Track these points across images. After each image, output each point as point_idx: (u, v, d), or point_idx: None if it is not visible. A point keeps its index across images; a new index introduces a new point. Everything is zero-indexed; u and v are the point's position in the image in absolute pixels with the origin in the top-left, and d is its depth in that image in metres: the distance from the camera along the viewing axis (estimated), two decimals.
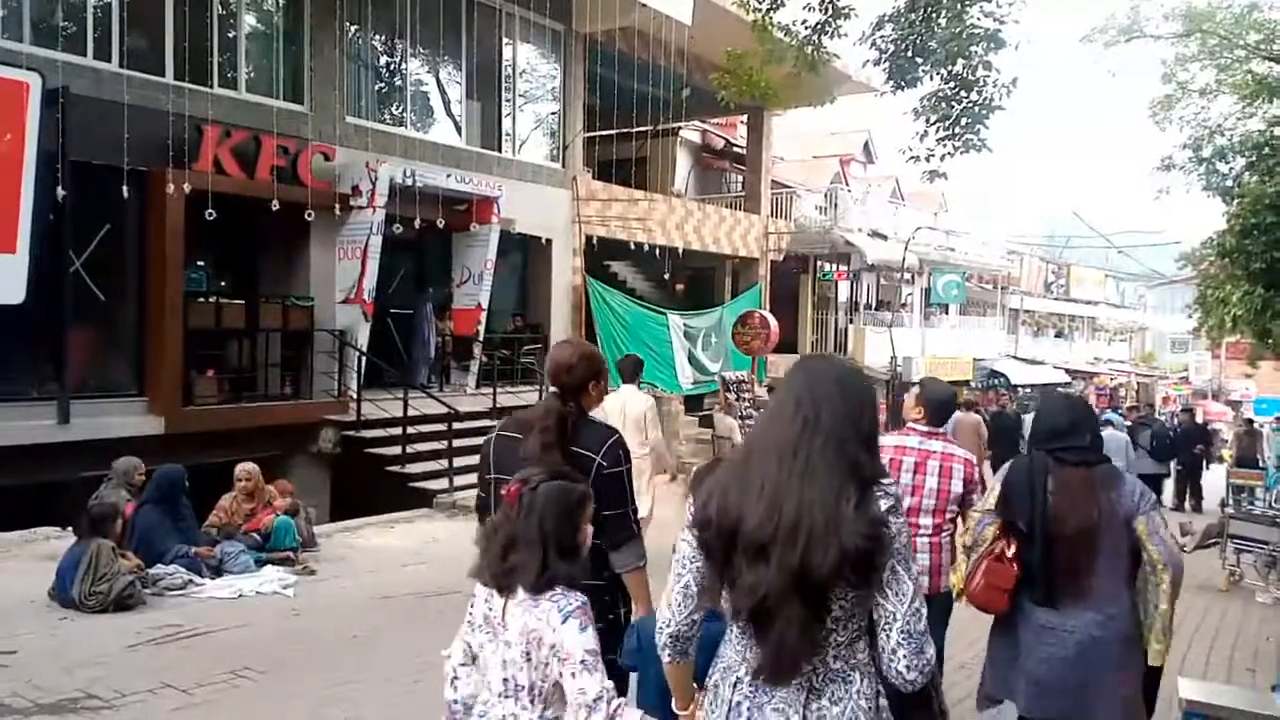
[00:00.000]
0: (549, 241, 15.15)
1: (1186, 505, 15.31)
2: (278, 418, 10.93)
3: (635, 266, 19.68)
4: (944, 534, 3.91)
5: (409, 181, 11.61)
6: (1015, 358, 29.79)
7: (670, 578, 2.08)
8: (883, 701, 1.97)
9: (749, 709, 1.95)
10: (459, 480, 10.26)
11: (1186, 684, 5.12)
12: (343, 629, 6.04)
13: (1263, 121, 15.04)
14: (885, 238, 23.36)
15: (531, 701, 2.15)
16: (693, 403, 16.87)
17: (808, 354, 6.37)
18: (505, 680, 2.17)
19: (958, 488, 3.91)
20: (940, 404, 4.17)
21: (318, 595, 6.88)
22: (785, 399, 2.02)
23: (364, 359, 11.51)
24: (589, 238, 15.81)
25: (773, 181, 21.76)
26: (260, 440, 10.34)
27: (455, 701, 2.37)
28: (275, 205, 10.51)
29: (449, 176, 12.37)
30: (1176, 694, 5.01)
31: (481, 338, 13.41)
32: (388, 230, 11.50)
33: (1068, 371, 31.91)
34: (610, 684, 2.13)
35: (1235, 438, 18.47)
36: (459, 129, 14.26)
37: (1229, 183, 14.01)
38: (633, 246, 16.71)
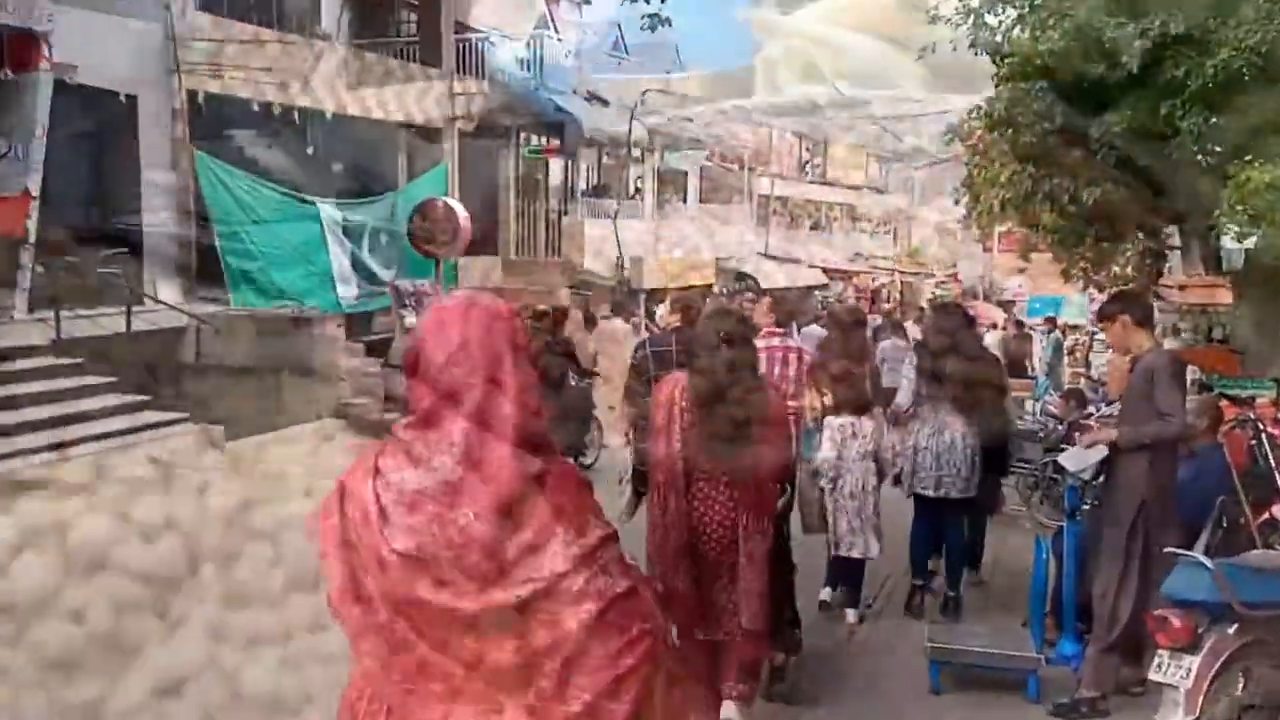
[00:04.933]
0: (132, 99, 14.04)
1: None
2: None
3: (269, 138, 18.66)
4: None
5: None
6: (767, 255, 31.58)
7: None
8: None
9: (932, 426, 7.21)
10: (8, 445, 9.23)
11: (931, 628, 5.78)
12: None
13: None
14: (606, 103, 23.76)
15: (866, 458, 6.90)
16: (360, 324, 16.42)
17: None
18: (858, 453, 6.84)
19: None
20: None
21: None
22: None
23: None
24: (194, 95, 14.88)
25: (458, 24, 21.35)
26: None
27: (829, 459, 6.78)
28: None
29: None
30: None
31: (33, 239, 12.14)
32: None
33: (825, 271, 34.34)
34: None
35: (1003, 341, 20.58)
36: None
37: (999, 39, 15.25)
38: (258, 108, 15.94)
